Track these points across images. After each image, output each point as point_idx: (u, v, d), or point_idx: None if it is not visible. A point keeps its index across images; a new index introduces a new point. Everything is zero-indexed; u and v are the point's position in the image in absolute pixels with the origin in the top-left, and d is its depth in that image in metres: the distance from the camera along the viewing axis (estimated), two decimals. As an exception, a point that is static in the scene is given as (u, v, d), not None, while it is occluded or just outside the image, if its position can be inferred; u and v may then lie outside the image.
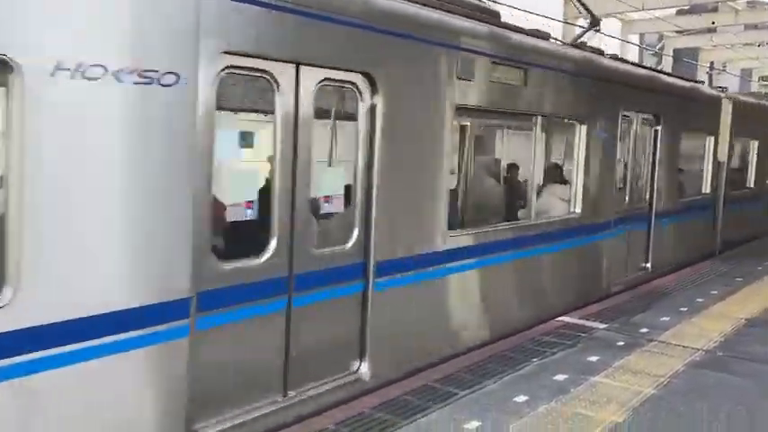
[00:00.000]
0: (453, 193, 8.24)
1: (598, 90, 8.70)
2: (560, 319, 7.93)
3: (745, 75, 30.64)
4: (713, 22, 21.67)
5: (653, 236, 10.54)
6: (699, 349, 6.94)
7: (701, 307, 8.74)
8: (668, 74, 11.93)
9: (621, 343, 7.07)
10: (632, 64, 10.40)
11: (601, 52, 9.51)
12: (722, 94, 13.29)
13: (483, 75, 6.58)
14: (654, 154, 10.49)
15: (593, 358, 6.53)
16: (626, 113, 9.44)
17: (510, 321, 7.40)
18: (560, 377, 5.98)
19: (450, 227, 6.46)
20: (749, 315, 8.41)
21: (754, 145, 15.13)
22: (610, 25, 22.37)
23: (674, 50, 25.89)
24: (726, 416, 5.31)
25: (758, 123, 15.03)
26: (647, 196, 10.48)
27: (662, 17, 21.19)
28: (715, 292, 9.66)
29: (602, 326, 7.71)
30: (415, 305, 6.07)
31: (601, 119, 8.79)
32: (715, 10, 21.90)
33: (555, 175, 8.94)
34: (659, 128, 10.45)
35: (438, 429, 4.87)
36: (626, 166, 9.72)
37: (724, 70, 27.92)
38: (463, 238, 6.65)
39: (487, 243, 6.97)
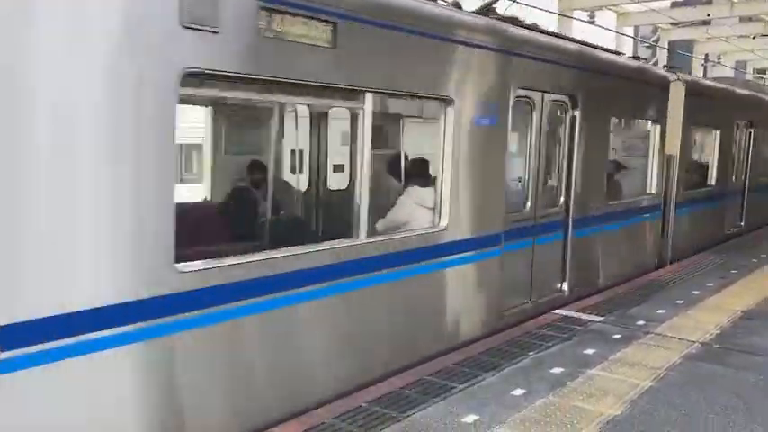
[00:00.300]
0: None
1: (475, 61, 6.56)
2: (556, 311, 7.93)
3: (740, 67, 30.66)
4: (708, 15, 21.64)
5: (571, 249, 8.39)
6: (695, 341, 6.94)
7: (696, 299, 8.75)
8: (592, 45, 9.32)
9: (618, 336, 7.07)
10: (537, 30, 7.92)
11: (515, 20, 7.59)
12: (671, 75, 11.09)
13: (245, 26, 4.42)
14: (570, 146, 8.30)
15: (590, 351, 6.53)
16: (524, 94, 7.30)
17: (309, 394, 5.14)
18: (557, 370, 5.97)
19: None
20: (745, 307, 8.42)
21: (715, 136, 13.12)
22: (606, 18, 22.38)
23: (669, 43, 25.88)
24: (722, 408, 5.33)
25: (720, 110, 13.01)
26: (563, 199, 8.31)
27: (657, 9, 21.16)
28: (711, 284, 9.67)
29: (599, 318, 7.70)
30: (92, 392, 3.84)
31: (480, 99, 6.61)
32: (710, 2, 21.86)
33: (421, 174, 6.87)
34: (577, 113, 8.24)
35: (435, 423, 4.86)
36: (528, 161, 7.68)
37: (719, 62, 27.92)
38: (213, 274, 4.37)
39: (272, 278, 4.77)
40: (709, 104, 12.38)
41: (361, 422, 4.82)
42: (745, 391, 5.70)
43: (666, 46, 25.10)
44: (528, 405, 5.22)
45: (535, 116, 7.66)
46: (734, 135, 13.98)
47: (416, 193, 6.66)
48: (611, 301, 8.53)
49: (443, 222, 6.37)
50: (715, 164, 13.20)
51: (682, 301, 8.58)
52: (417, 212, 6.53)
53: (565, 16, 18.64)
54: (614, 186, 9.81)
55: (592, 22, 20.22)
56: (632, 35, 26.43)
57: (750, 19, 23.95)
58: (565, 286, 8.45)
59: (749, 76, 28.07)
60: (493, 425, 4.86)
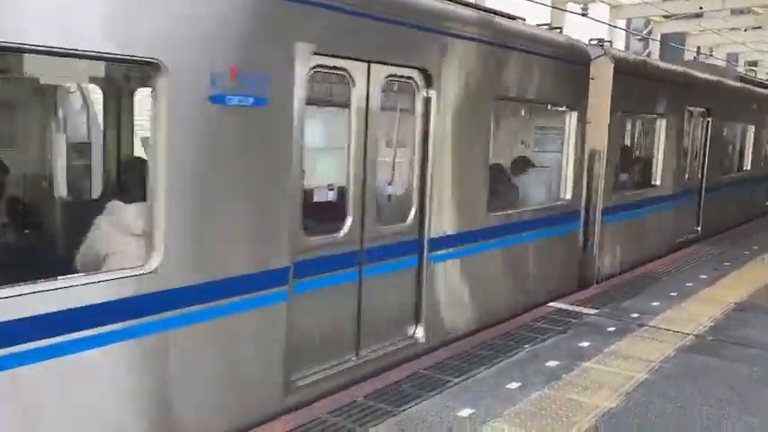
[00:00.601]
0: None
1: (214, 6, 4.26)
2: (551, 304, 7.93)
3: (732, 59, 30.75)
4: (701, 7, 21.70)
5: (428, 279, 6.19)
6: (689, 334, 6.96)
7: (690, 291, 8.77)
8: (468, 5, 6.89)
9: (612, 328, 7.08)
10: None
11: None
12: (594, 50, 8.91)
13: None
14: (425, 139, 6.08)
15: (585, 344, 6.54)
16: (330, 63, 5.13)
17: None
18: (552, 363, 5.98)
19: None
20: (738, 299, 8.45)
21: (660, 126, 10.85)
22: (599, 10, 22.37)
23: (662, 35, 25.93)
24: (717, 400, 5.35)
25: (666, 95, 10.77)
26: (414, 212, 6.07)
27: (650, 2, 21.20)
28: (704, 276, 9.69)
29: (593, 311, 7.71)
30: None
31: (225, 67, 4.27)
32: (702, -6, 21.94)
33: (133, 183, 4.74)
34: (432, 94, 6.03)
35: (431, 417, 4.85)
36: (349, 161, 5.42)
37: (711, 55, 27.99)
38: None
39: None
40: (650, 87, 10.29)
41: (356, 417, 4.81)
42: (738, 383, 5.72)
43: (659, 38, 25.17)
44: (523, 398, 5.22)
45: (356, 96, 5.41)
46: (686, 125, 11.75)
47: (119, 213, 4.42)
48: (605, 294, 8.54)
49: (154, 261, 4.01)
50: (660, 159, 10.94)
51: (675, 294, 8.60)
52: (120, 242, 4.28)
53: (558, 9, 18.63)
54: (507, 192, 7.88)
55: (585, 15, 20.20)
56: (625, 27, 26.44)
57: (742, 12, 24.07)
58: (419, 331, 6.18)
59: (741, 69, 28.15)
60: (488, 418, 4.86)
